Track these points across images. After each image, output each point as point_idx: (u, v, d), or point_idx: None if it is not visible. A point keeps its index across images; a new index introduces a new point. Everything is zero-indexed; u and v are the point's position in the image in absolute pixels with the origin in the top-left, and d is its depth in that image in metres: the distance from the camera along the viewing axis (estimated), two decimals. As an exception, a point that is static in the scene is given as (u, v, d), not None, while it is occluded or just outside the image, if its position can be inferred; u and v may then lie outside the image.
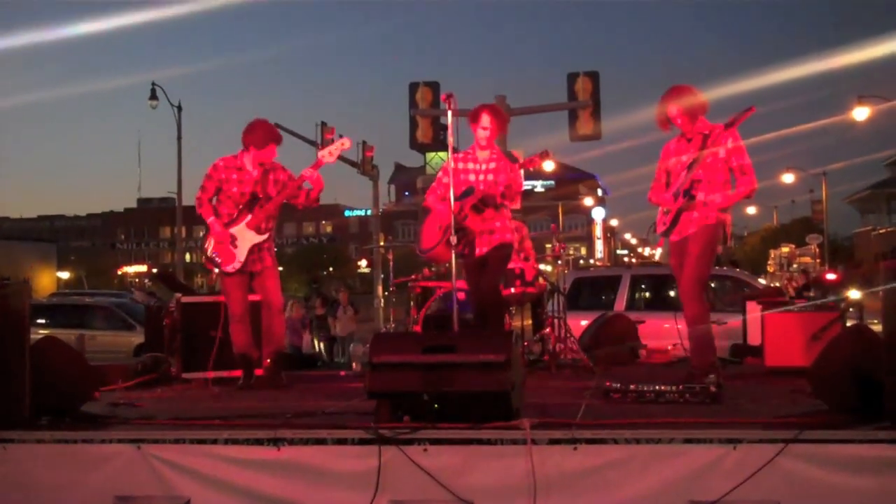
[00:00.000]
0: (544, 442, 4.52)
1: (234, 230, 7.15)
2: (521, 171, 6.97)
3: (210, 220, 7.17)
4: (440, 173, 7.16)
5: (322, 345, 19.16)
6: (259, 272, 7.26)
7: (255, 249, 7.19)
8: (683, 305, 6.36)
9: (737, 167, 6.29)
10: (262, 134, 7.18)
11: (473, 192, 6.90)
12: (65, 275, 62.91)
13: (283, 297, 7.57)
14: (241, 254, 7.15)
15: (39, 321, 17.92)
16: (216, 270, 7.29)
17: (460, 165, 7.03)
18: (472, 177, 7.01)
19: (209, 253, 7.22)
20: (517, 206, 7.11)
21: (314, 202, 7.37)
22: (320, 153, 7.28)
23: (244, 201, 7.17)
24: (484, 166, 7.03)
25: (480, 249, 6.95)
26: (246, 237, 7.16)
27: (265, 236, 7.23)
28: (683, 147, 6.48)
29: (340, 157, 7.55)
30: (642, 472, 4.45)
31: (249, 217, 7.16)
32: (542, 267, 10.05)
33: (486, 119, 6.98)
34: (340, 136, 7.50)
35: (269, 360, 7.25)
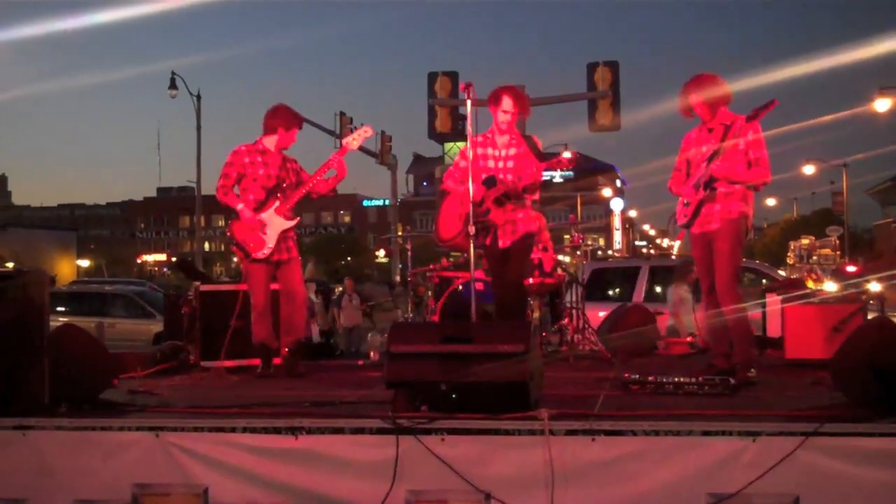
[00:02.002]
0: (562, 433, 4.50)
1: (262, 216, 7.15)
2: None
3: (239, 207, 7.14)
4: (458, 157, 7.05)
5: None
6: (285, 262, 7.25)
7: (283, 237, 7.19)
8: (721, 303, 6.29)
9: (753, 159, 6.23)
10: (288, 116, 7.26)
11: (495, 184, 6.76)
12: (84, 263, 63.23)
13: (305, 291, 7.56)
14: (271, 240, 7.14)
15: (59, 309, 18.03)
16: (245, 258, 7.25)
17: (479, 151, 6.87)
18: (490, 163, 6.85)
19: (238, 239, 7.19)
20: (535, 196, 7.05)
21: (332, 192, 7.45)
22: (345, 140, 7.37)
23: (271, 185, 7.18)
24: (503, 152, 6.85)
25: (504, 241, 6.82)
26: (275, 223, 7.16)
27: (293, 222, 7.25)
28: (704, 137, 6.42)
29: (359, 147, 7.57)
30: (661, 464, 4.43)
31: (278, 203, 7.17)
32: (560, 257, 10.02)
33: (507, 102, 6.77)
34: (362, 125, 7.54)
35: (287, 350, 7.26)
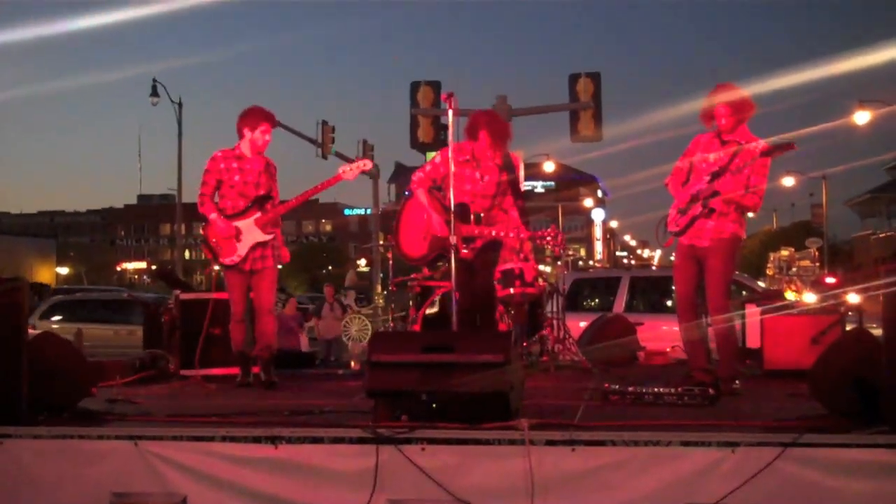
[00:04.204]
0: (542, 443, 4.51)
1: (239, 224, 7.06)
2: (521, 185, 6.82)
3: (212, 216, 7.05)
4: (428, 165, 6.93)
5: None
6: (258, 271, 7.17)
7: (257, 247, 7.11)
8: (712, 318, 6.32)
9: (752, 185, 6.21)
10: (253, 116, 7.13)
11: (467, 216, 6.62)
12: (64, 270, 62.93)
13: (274, 298, 7.49)
14: (243, 249, 7.06)
15: (73, 315, 18.12)
16: (214, 263, 7.25)
17: (454, 168, 6.55)
18: (467, 186, 6.72)
19: (210, 241, 7.13)
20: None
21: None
22: (341, 169, 7.18)
23: (250, 192, 7.09)
24: (486, 178, 6.76)
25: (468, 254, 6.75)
26: (251, 234, 7.07)
27: (270, 237, 7.15)
28: (716, 147, 6.36)
29: (341, 156, 7.58)
30: (640, 475, 4.44)
31: (259, 214, 7.09)
32: (541, 268, 10.05)
33: (483, 138, 6.69)
34: (360, 157, 7.50)
35: (259, 361, 7.20)
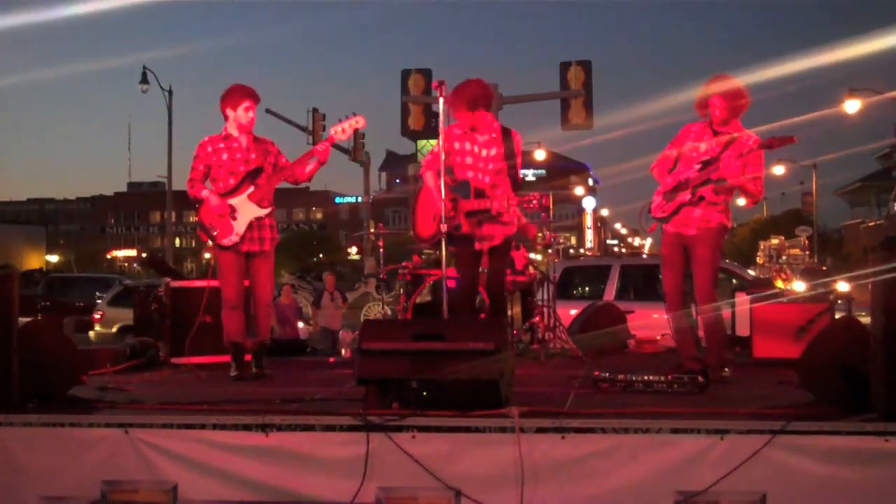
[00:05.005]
0: (532, 430, 4.52)
1: (233, 201, 6.83)
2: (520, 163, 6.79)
3: (204, 192, 6.83)
4: (436, 147, 6.82)
5: None
6: (256, 254, 6.94)
7: (255, 226, 6.89)
8: (699, 306, 6.34)
9: (750, 178, 6.20)
10: (234, 94, 6.94)
11: (468, 193, 6.62)
12: (54, 258, 62.80)
13: (273, 289, 7.35)
14: (240, 226, 6.83)
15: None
16: (212, 244, 6.99)
17: (456, 146, 6.67)
18: (469, 159, 6.69)
19: (205, 223, 6.88)
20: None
21: (308, 178, 7.12)
22: (333, 129, 7.02)
23: (240, 169, 6.87)
24: (485, 152, 6.68)
25: (480, 245, 6.74)
26: (246, 210, 6.85)
27: (267, 210, 6.93)
28: (707, 136, 6.34)
29: (332, 144, 7.42)
30: (630, 462, 4.47)
31: (252, 189, 6.87)
32: (532, 256, 10.05)
33: (462, 117, 6.64)
34: (354, 114, 7.18)
35: (252, 353, 7.06)
